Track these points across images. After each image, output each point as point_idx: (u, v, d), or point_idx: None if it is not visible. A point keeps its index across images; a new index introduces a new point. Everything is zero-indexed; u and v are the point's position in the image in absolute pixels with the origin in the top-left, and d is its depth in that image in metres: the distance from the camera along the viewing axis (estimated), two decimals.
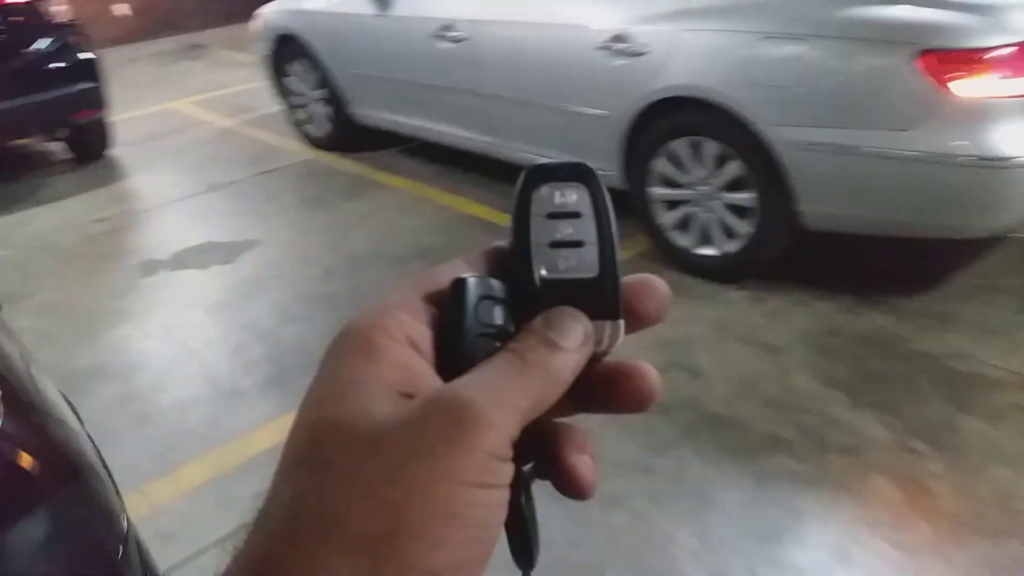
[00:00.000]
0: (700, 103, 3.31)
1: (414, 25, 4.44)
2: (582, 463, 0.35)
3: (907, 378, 2.86)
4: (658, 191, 3.61)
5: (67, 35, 5.09)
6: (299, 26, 5.22)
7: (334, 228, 4.29)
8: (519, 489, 0.34)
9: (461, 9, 4.18)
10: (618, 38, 3.48)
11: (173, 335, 3.42)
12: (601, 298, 0.37)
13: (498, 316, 0.36)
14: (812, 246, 3.49)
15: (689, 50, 3.29)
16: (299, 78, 5.46)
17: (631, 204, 3.78)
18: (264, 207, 4.64)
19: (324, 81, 5.23)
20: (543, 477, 0.36)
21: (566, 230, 0.38)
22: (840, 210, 3.14)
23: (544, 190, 0.38)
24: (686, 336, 3.16)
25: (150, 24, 9.62)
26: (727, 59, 3.18)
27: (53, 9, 5.04)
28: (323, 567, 0.28)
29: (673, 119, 3.47)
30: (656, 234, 3.70)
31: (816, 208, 3.17)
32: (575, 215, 0.38)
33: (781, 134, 3.10)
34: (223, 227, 4.43)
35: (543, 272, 0.37)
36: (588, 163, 0.39)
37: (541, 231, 0.38)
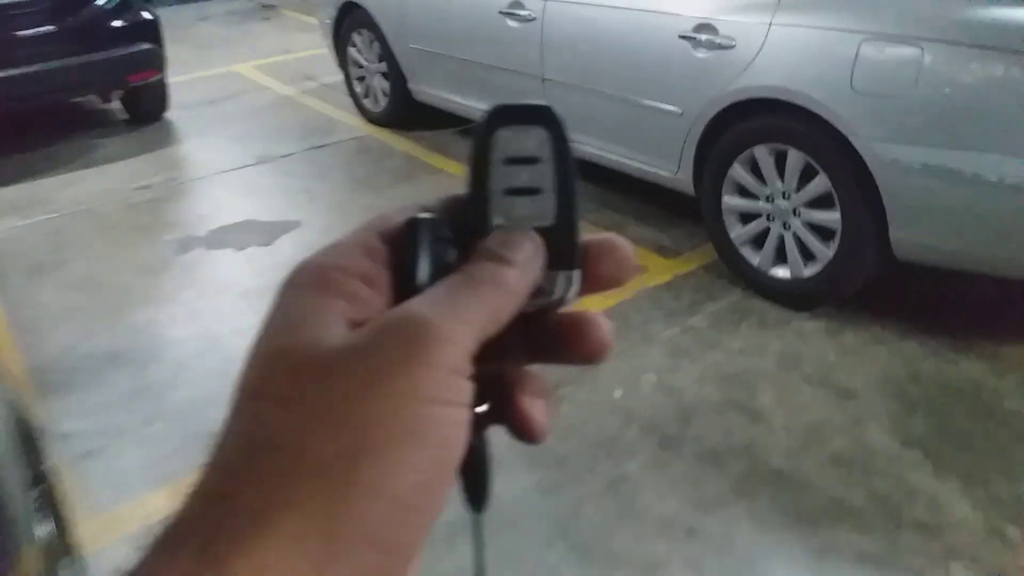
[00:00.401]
0: (788, 107, 2.94)
1: (480, 1, 4.13)
2: (535, 407, 0.35)
3: (999, 443, 2.49)
4: (732, 201, 3.25)
5: None
6: None
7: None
8: (475, 430, 0.32)
9: None
10: (704, 27, 3.12)
11: (200, 322, 3.22)
12: (557, 247, 0.35)
13: (451, 256, 0.35)
14: (900, 276, 3.10)
15: (781, 47, 2.91)
16: (360, 49, 5.21)
17: (698, 211, 3.43)
18: (311, 185, 4.42)
19: (385, 54, 4.97)
20: (497, 422, 0.35)
21: (523, 176, 0.36)
22: (940, 242, 2.75)
23: (503, 134, 0.36)
24: (748, 370, 2.83)
25: None
26: (824, 60, 2.80)
27: None
28: (284, 497, 0.27)
29: (756, 123, 3.11)
30: (726, 248, 3.35)
31: (911, 237, 2.79)
32: (534, 160, 0.36)
33: (879, 150, 2.72)
34: (266, 205, 4.22)
35: (498, 220, 0.36)
36: (553, 107, 0.37)
37: (498, 177, 0.36)
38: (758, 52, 2.95)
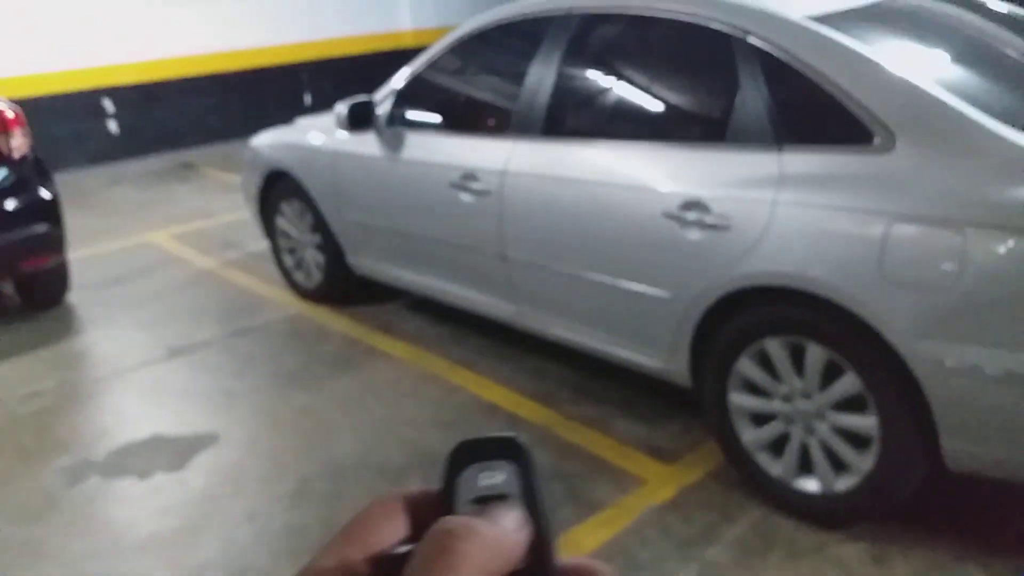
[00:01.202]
0: (804, 296, 2.51)
1: (428, 172, 3.70)
2: None
3: None
4: (741, 400, 2.77)
5: (23, 170, 4.35)
6: (294, 163, 4.50)
7: (314, 420, 3.42)
8: None
9: (486, 157, 3.45)
10: (692, 205, 2.71)
11: None
12: None
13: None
14: (953, 480, 2.62)
15: (791, 227, 2.50)
16: (290, 220, 4.71)
17: (692, 398, 2.95)
18: (231, 383, 3.78)
19: (319, 225, 4.48)
20: None
21: None
22: (1008, 454, 2.29)
23: (469, 472, 0.37)
24: None
25: (141, 140, 9.05)
26: (846, 244, 2.40)
27: (13, 143, 4.31)
28: None
29: (765, 313, 2.67)
30: (736, 453, 2.84)
31: (968, 447, 2.33)
32: (502, 497, 0.36)
33: (921, 348, 2.28)
34: (177, 413, 3.56)
35: None
36: (519, 438, 0.38)
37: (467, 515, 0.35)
38: (762, 233, 2.54)
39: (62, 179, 7.61)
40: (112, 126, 8.84)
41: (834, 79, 2.48)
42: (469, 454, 0.37)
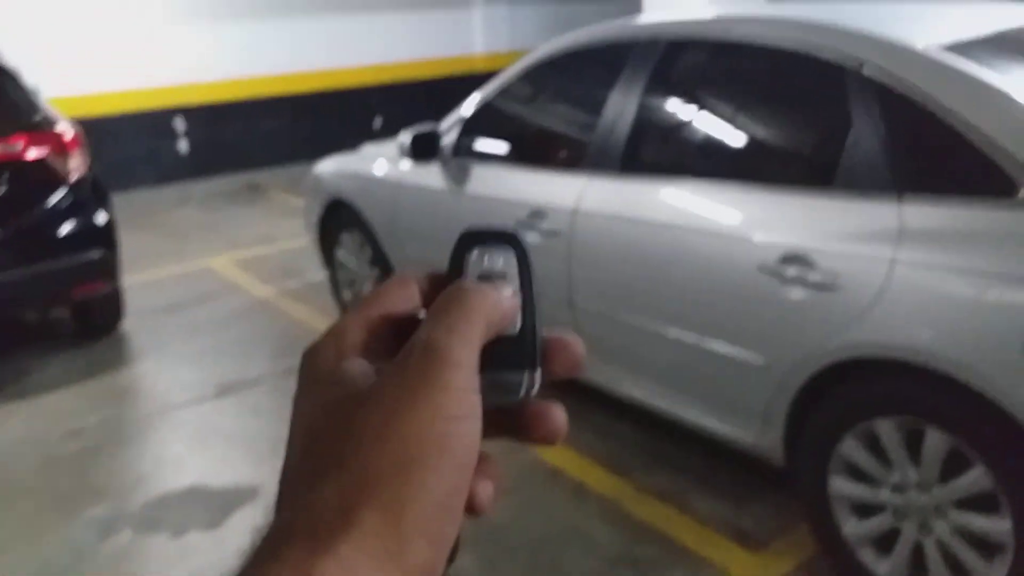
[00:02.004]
0: (925, 372, 2.14)
1: (494, 208, 3.42)
2: (482, 488, 0.39)
3: None
4: (844, 486, 2.40)
5: (80, 193, 4.23)
6: (355, 193, 4.29)
7: None
8: None
9: (556, 193, 3.15)
10: (793, 259, 2.36)
11: None
12: (521, 351, 0.41)
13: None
14: None
15: (912, 292, 2.13)
16: (350, 251, 4.50)
17: (781, 474, 2.58)
18: (278, 430, 3.52)
19: (378, 259, 4.25)
20: None
21: None
22: None
23: (475, 253, 0.43)
24: None
25: (210, 161, 9.06)
26: (981, 314, 2.02)
27: (71, 165, 4.21)
28: (359, 503, 0.34)
29: (876, 388, 2.30)
30: (835, 546, 2.46)
31: None
32: (502, 276, 0.42)
33: None
34: (220, 460, 3.34)
35: None
36: (517, 231, 0.43)
37: None
38: (877, 296, 2.17)
39: (130, 199, 7.64)
40: (182, 146, 8.87)
41: (968, 119, 2.11)
42: (474, 240, 0.43)
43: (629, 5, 9.35)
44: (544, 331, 0.43)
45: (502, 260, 0.43)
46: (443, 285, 0.42)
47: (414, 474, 0.35)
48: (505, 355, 0.41)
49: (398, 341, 0.40)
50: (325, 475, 0.35)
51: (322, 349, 0.41)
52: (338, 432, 0.37)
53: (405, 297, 0.43)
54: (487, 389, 0.39)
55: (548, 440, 0.42)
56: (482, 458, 0.39)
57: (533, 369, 0.41)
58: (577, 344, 0.43)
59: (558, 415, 0.42)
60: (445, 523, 0.36)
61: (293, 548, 0.34)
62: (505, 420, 0.42)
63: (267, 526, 0.36)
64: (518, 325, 0.42)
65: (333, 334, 0.42)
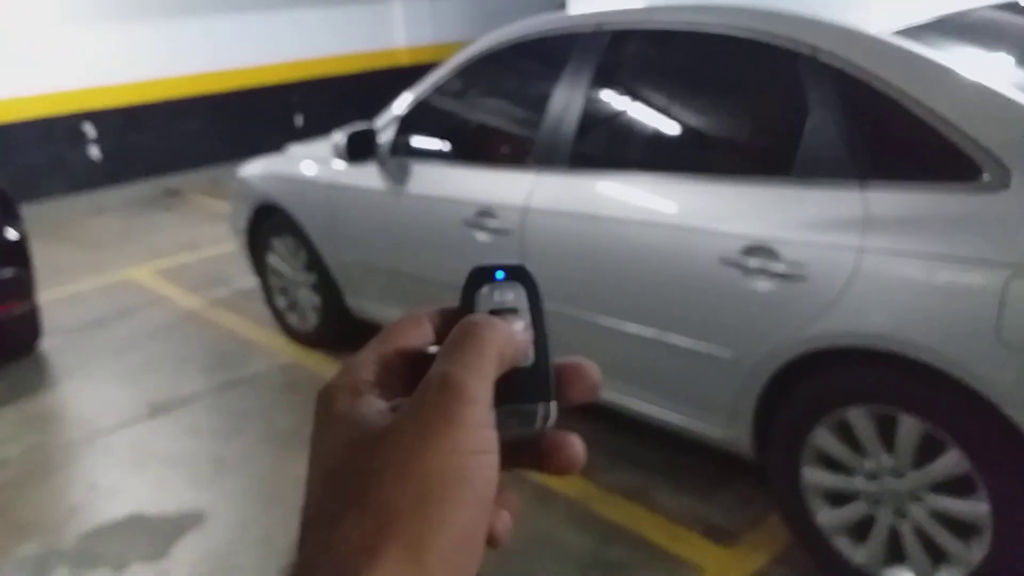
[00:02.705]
0: (897, 360, 2.13)
1: (439, 207, 3.31)
2: (499, 519, 0.40)
3: None
4: (817, 476, 2.38)
5: None
6: (286, 195, 4.10)
7: None
8: None
9: (504, 191, 3.06)
10: (756, 250, 2.33)
11: None
12: (536, 383, 0.42)
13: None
14: None
15: (882, 280, 2.12)
16: (283, 257, 4.31)
17: (763, 475, 2.55)
18: (219, 448, 3.36)
19: (314, 264, 4.08)
20: None
21: None
22: None
23: (486, 289, 0.44)
24: None
25: (124, 167, 8.63)
26: (952, 299, 2.01)
27: None
28: (382, 538, 0.34)
29: (846, 377, 2.29)
30: (809, 536, 2.45)
31: None
32: (513, 311, 0.43)
33: None
34: (158, 485, 3.14)
35: None
36: (526, 267, 0.45)
37: None
38: (846, 286, 2.15)
39: (39, 209, 7.22)
40: (93, 152, 8.42)
41: (929, 104, 2.10)
42: (485, 277, 0.44)
43: None
44: (558, 358, 0.43)
45: (512, 295, 0.44)
46: (455, 320, 0.42)
47: (435, 509, 0.35)
48: (520, 387, 0.41)
49: (413, 377, 0.40)
50: (346, 514, 0.36)
51: (337, 390, 0.41)
52: (358, 471, 0.37)
53: (418, 334, 0.44)
54: (503, 422, 0.39)
55: (566, 470, 0.43)
56: (499, 489, 0.39)
57: (548, 400, 0.42)
58: (592, 369, 0.45)
59: (575, 445, 0.43)
60: (467, 556, 0.36)
61: None
62: (523, 451, 0.42)
63: (289, 566, 0.36)
64: (531, 358, 0.42)
65: (347, 373, 0.42)
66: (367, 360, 0.42)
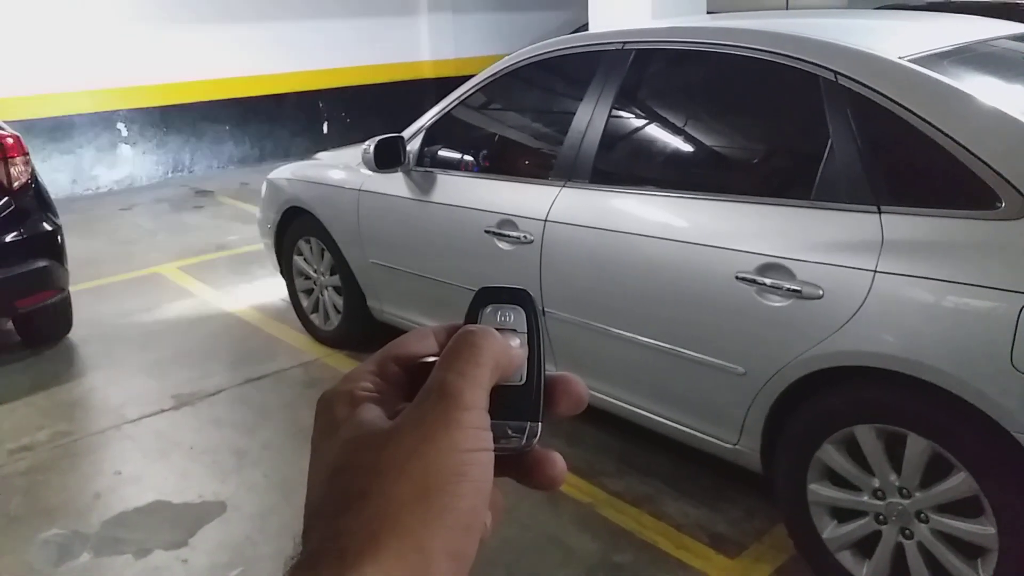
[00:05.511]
0: (906, 380, 2.17)
1: (461, 216, 3.38)
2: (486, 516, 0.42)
3: None
4: (823, 491, 2.43)
5: (23, 200, 4.06)
6: (314, 199, 4.20)
7: None
8: None
9: (526, 203, 3.13)
10: (771, 268, 2.38)
11: None
12: (525, 402, 0.44)
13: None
14: None
15: (896, 303, 2.16)
16: (308, 259, 4.41)
17: (769, 488, 2.60)
18: (241, 441, 3.45)
19: (339, 266, 4.17)
20: None
21: None
22: None
23: (489, 309, 0.47)
24: None
25: (157, 165, 8.81)
26: (966, 325, 2.06)
27: (13, 172, 4.02)
28: (384, 528, 0.37)
29: (856, 396, 2.33)
30: (814, 550, 2.49)
31: None
32: (512, 330, 0.46)
33: None
34: (182, 475, 3.22)
35: None
36: (527, 291, 0.48)
37: None
38: (860, 306, 2.20)
39: (72, 205, 7.39)
40: (126, 150, 8.60)
41: (948, 131, 2.15)
42: (488, 298, 0.47)
43: (568, 15, 9.41)
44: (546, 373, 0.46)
45: (513, 316, 0.46)
46: None
47: (435, 501, 0.38)
48: (510, 405, 0.44)
49: (412, 386, 0.43)
50: (349, 507, 0.38)
51: (337, 398, 0.43)
52: (361, 468, 0.39)
53: (422, 347, 0.47)
54: (493, 437, 0.42)
55: (548, 486, 0.45)
56: (492, 494, 0.42)
57: (536, 421, 0.44)
58: (578, 384, 0.47)
59: (558, 463, 0.45)
60: (467, 542, 0.39)
61: (321, 573, 0.36)
62: (509, 464, 0.44)
63: (295, 555, 0.38)
64: (523, 376, 0.45)
65: (346, 382, 0.44)
66: (366, 371, 0.45)
